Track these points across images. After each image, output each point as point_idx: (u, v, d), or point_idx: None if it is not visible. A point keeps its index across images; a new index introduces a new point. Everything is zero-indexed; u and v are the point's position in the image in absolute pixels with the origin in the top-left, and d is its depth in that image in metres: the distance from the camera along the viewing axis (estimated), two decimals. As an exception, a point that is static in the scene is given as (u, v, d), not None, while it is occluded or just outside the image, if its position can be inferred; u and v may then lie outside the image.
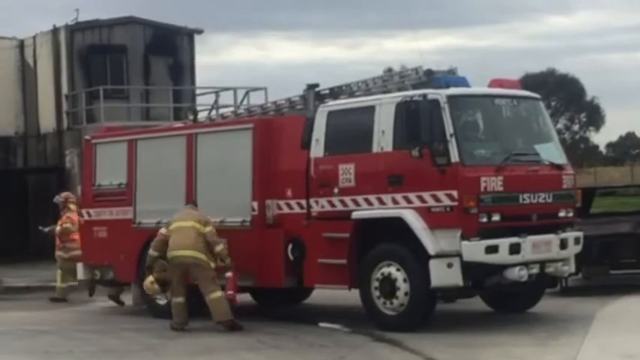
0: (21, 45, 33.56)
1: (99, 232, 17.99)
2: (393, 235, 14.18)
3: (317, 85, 16.02)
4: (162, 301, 16.80)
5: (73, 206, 21.04)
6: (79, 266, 18.51)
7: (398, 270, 14.00)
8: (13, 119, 33.35)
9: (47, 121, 32.45)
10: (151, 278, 15.83)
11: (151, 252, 15.79)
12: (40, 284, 23.37)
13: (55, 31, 32.16)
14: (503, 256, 13.67)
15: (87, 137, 19.15)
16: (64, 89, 31.75)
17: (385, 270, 14.11)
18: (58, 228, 21.02)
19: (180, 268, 15.37)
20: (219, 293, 15.15)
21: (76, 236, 20.05)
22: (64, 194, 21.76)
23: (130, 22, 32.76)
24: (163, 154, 17.20)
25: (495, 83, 15.03)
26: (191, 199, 16.22)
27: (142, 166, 17.40)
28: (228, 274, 15.30)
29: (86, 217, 18.30)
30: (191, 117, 18.22)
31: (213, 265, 15.28)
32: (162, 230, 15.71)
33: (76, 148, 29.97)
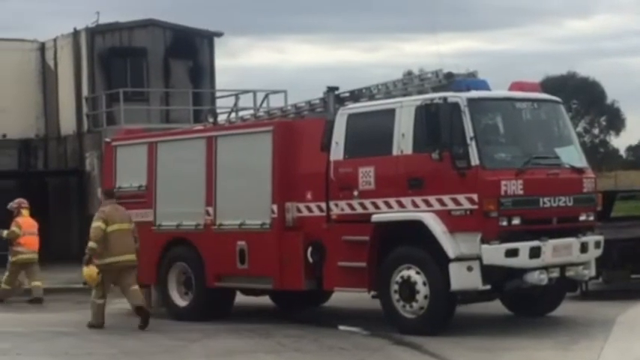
0: (42, 48, 33.74)
1: (119, 235, 17.99)
2: (413, 238, 14.16)
3: (337, 88, 16.01)
4: (182, 304, 16.86)
5: (25, 212, 21.64)
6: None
7: (418, 273, 13.98)
8: (33, 121, 33.53)
9: (67, 123, 32.58)
10: (95, 269, 16.28)
11: (93, 244, 16.02)
12: (60, 286, 23.45)
13: (75, 33, 32.29)
14: (523, 260, 13.64)
15: (107, 140, 19.21)
16: (85, 92, 31.88)
17: (405, 273, 14.09)
18: (5, 232, 21.40)
19: (118, 271, 16.12)
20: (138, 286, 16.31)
21: (23, 240, 21.12)
22: (17, 200, 22.03)
23: (150, 24, 32.87)
24: (183, 157, 17.23)
25: (516, 86, 15.00)
26: (111, 195, 16.77)
27: (162, 168, 17.44)
28: None
29: (106, 220, 18.30)
30: (211, 119, 18.23)
31: None
32: (102, 225, 16.05)
33: (96, 151, 30.09)
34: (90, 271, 16.40)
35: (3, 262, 21.97)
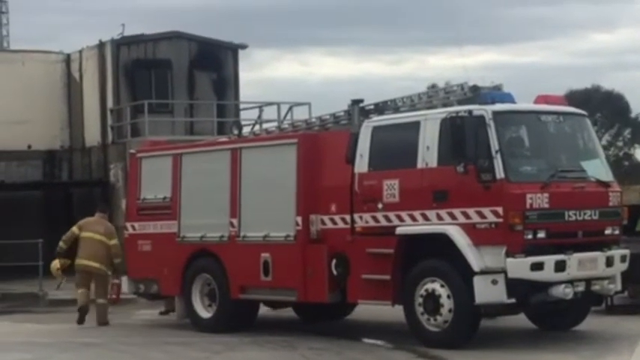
0: (67, 59, 33.88)
1: (143, 246, 18.08)
2: (437, 251, 14.13)
3: (362, 101, 16.01)
4: (206, 315, 16.89)
5: None
6: (124, 279, 18.59)
7: (442, 286, 13.94)
8: (58, 133, 33.66)
9: (92, 134, 32.70)
10: (57, 265, 18.84)
11: (62, 244, 18.71)
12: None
13: (101, 45, 32.43)
14: (548, 274, 13.58)
15: (132, 151, 19.27)
16: (109, 103, 31.99)
17: (429, 286, 14.06)
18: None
19: (85, 274, 18.48)
20: (104, 301, 18.46)
21: None
22: None
23: (175, 36, 32.97)
24: (208, 169, 17.26)
25: (541, 99, 14.96)
26: (103, 210, 19.19)
27: (186, 180, 17.47)
28: (116, 280, 18.73)
29: (131, 231, 18.40)
30: (236, 131, 18.27)
31: (109, 272, 18.58)
32: (75, 230, 18.63)
33: (120, 162, 30.19)
34: (54, 264, 19.10)
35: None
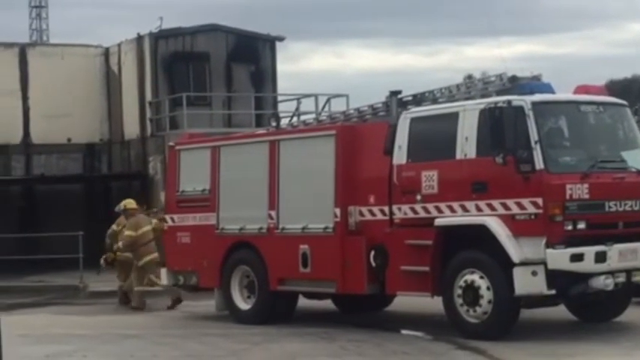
0: (106, 53, 34.07)
1: (182, 238, 18.14)
2: (477, 243, 14.09)
3: (400, 92, 15.97)
4: (245, 307, 16.94)
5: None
6: (163, 271, 18.68)
7: (481, 278, 13.90)
8: (98, 126, 33.87)
9: (131, 127, 32.87)
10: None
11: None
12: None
13: (139, 39, 32.57)
14: (588, 265, 13.51)
15: (171, 144, 19.34)
16: (148, 96, 32.13)
17: (468, 277, 14.02)
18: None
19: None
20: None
21: None
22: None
23: (213, 29, 33.05)
24: (246, 161, 17.29)
25: (581, 89, 14.87)
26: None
27: (225, 172, 17.52)
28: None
29: (170, 223, 18.47)
30: (274, 123, 18.28)
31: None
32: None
33: (159, 155, 30.32)
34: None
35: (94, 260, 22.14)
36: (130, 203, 21.11)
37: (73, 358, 14.13)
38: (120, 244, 20.65)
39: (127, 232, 20.32)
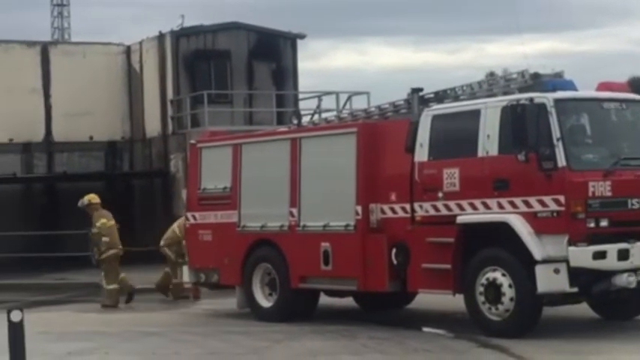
0: (128, 51, 34.17)
1: (204, 236, 18.17)
2: (498, 240, 14.05)
3: (421, 89, 15.95)
4: (266, 305, 16.95)
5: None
6: (185, 269, 18.72)
7: (503, 275, 13.86)
8: (119, 124, 33.97)
9: (153, 125, 32.96)
10: None
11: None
12: (146, 286, 23.67)
13: (160, 37, 32.65)
14: (611, 262, 13.44)
15: (192, 141, 19.36)
16: (169, 94, 32.21)
17: (490, 275, 13.98)
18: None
19: None
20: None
21: None
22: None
23: (234, 27, 33.09)
24: (268, 158, 17.29)
25: (603, 86, 14.79)
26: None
27: (246, 170, 17.52)
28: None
29: (191, 221, 18.50)
30: (295, 121, 18.28)
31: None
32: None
33: (180, 153, 30.39)
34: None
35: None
36: (93, 198, 21.32)
37: (95, 356, 14.17)
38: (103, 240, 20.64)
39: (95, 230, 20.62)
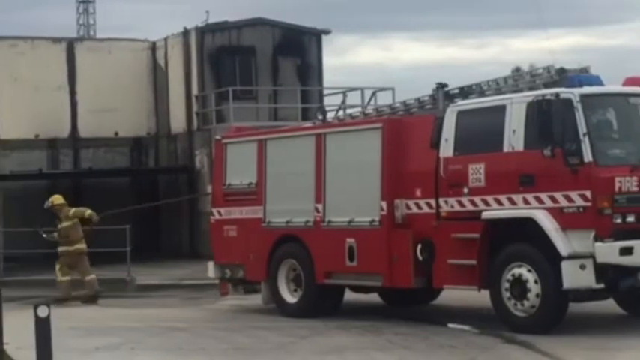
0: (153, 47, 34.27)
1: (229, 231, 18.20)
2: (524, 236, 14.01)
3: (446, 85, 15.92)
4: (291, 300, 16.97)
5: None
6: (210, 264, 18.75)
7: (529, 271, 13.82)
8: (145, 120, 34.08)
9: (178, 121, 33.04)
10: None
11: None
12: (171, 282, 23.80)
13: (185, 33, 32.72)
14: (638, 258, 13.37)
15: (217, 137, 19.38)
16: (195, 90, 32.28)
17: (516, 271, 13.95)
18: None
19: None
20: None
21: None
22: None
23: (259, 23, 33.11)
24: (293, 154, 17.30)
25: (630, 81, 14.71)
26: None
27: (271, 165, 17.54)
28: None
29: (217, 217, 18.53)
30: (320, 117, 18.29)
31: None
32: None
33: (205, 148, 30.47)
34: None
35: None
36: (57, 199, 21.60)
37: (121, 351, 14.23)
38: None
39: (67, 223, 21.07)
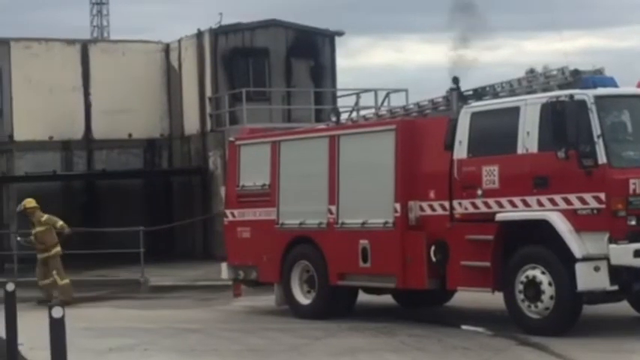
0: (166, 49, 34.31)
1: (243, 233, 18.21)
2: (538, 238, 13.98)
3: (459, 80, 15.88)
4: (305, 302, 16.97)
5: None
6: (224, 266, 18.76)
7: (543, 273, 13.79)
8: (158, 122, 34.12)
9: (191, 123, 33.07)
10: None
11: None
12: (185, 283, 23.82)
13: (199, 34, 32.75)
14: (652, 260, 13.34)
15: (231, 139, 19.40)
16: (208, 92, 32.29)
17: (530, 273, 13.91)
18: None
19: None
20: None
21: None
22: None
23: (272, 25, 33.12)
24: (306, 156, 17.30)
25: (645, 83, 14.67)
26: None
27: (285, 167, 17.55)
28: None
29: (230, 218, 18.55)
30: (333, 118, 18.28)
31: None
32: None
33: (219, 150, 30.48)
34: None
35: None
36: (29, 202, 21.69)
37: (135, 352, 14.25)
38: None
39: (40, 228, 21.26)
